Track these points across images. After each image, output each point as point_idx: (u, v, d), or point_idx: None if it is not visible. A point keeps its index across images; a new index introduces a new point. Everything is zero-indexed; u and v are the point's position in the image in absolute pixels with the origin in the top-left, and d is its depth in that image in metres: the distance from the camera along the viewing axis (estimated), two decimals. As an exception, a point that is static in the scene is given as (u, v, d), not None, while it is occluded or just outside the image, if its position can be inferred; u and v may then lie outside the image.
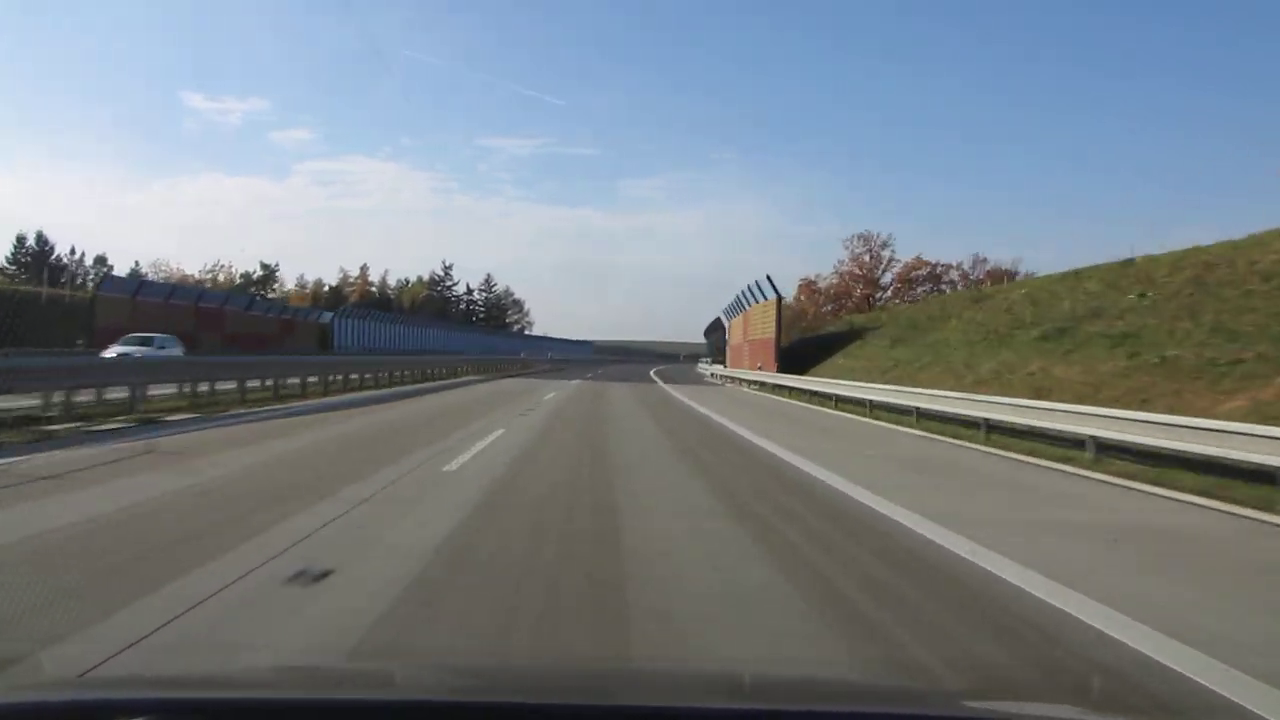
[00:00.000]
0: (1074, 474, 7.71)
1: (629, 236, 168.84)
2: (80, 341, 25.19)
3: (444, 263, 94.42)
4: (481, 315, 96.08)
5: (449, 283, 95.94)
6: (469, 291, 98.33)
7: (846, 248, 46.58)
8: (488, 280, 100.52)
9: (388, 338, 49.69)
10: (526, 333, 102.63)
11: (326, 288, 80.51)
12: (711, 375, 34.29)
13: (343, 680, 1.96)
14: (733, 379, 29.10)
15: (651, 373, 36.37)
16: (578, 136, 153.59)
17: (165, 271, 52.63)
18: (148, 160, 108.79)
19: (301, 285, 78.75)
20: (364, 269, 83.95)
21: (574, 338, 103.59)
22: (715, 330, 55.77)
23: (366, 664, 2.58)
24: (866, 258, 53.92)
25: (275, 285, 78.82)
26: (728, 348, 35.46)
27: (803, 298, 51.49)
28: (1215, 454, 6.94)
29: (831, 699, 1.70)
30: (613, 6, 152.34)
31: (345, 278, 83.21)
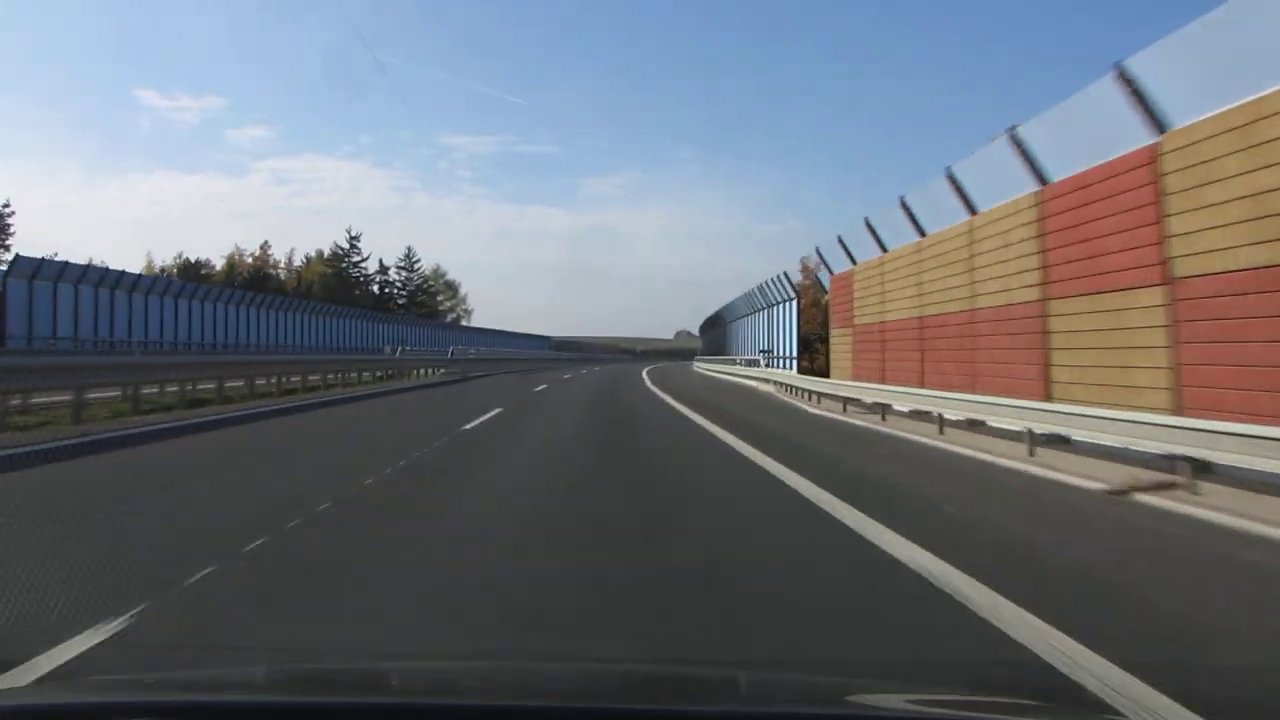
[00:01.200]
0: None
1: (591, 234, 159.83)
2: None
3: (349, 232, 77.09)
4: (402, 300, 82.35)
5: (355, 258, 77.50)
6: (383, 270, 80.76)
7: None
8: (408, 256, 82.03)
9: (159, 325, 34.81)
10: (465, 323, 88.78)
11: (211, 264, 69.29)
12: (776, 388, 22.66)
13: (343, 681, 2.00)
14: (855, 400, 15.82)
15: (663, 390, 24.00)
16: (538, 134, 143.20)
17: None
18: (99, 158, 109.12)
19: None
20: (265, 245, 74.39)
21: (535, 332, 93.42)
22: (714, 326, 57.40)
23: (366, 664, 2.67)
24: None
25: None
26: (842, 340, 21.30)
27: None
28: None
29: (830, 701, 1.74)
30: (570, 3, 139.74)
31: (237, 254, 71.81)
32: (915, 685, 2.43)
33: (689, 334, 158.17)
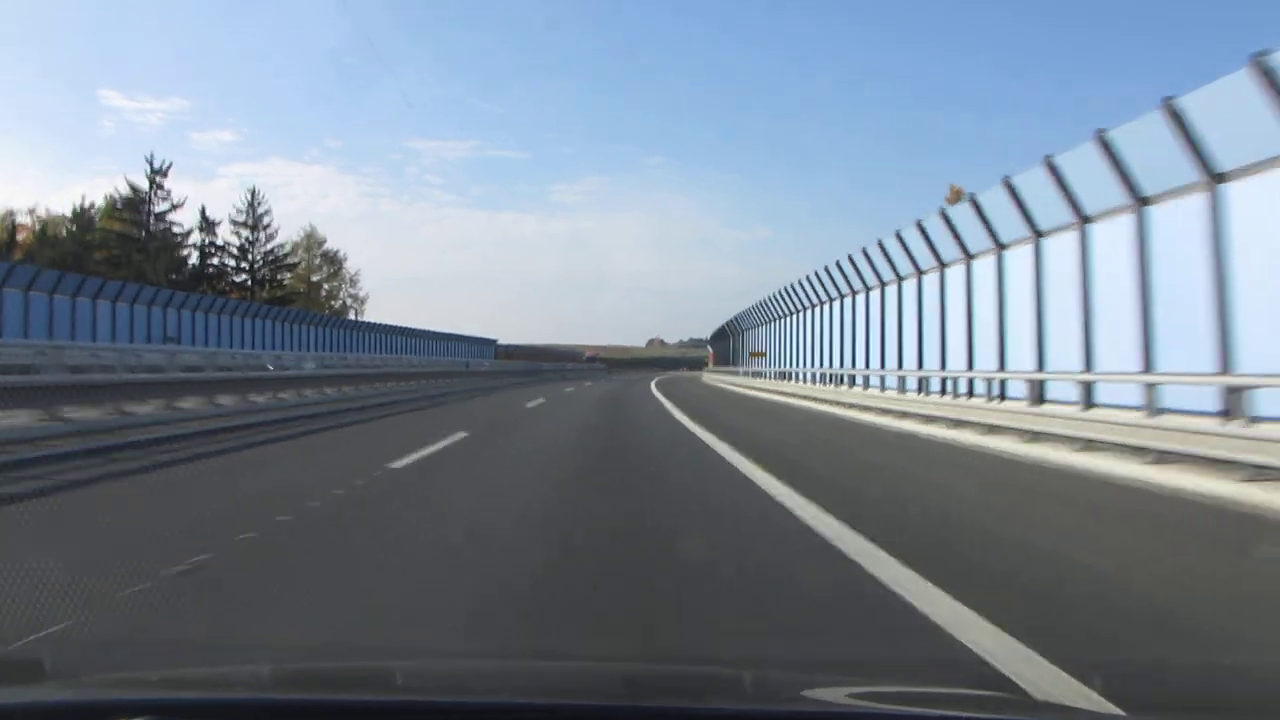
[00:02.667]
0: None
1: (559, 240, 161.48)
2: None
3: (151, 163, 53.06)
4: (245, 278, 59.00)
5: (154, 209, 53.12)
6: (208, 226, 56.27)
7: None
8: (251, 207, 58.09)
9: None
10: (360, 317, 64.72)
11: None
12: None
13: (346, 679, 2.08)
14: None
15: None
16: (507, 140, 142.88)
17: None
18: (64, 161, 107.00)
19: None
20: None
21: (502, 340, 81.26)
22: (723, 338, 58.95)
23: (371, 662, 2.82)
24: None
25: None
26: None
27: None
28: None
29: (831, 699, 1.82)
30: (539, 9, 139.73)
31: (8, 215, 52.30)
32: (917, 683, 2.58)
33: (662, 342, 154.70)
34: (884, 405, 17.96)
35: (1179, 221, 11.02)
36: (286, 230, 65.99)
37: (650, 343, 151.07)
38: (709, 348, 72.01)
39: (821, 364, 28.07)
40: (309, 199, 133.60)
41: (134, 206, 51.31)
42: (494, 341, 74.04)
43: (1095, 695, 2.77)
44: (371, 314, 67.63)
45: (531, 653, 3.48)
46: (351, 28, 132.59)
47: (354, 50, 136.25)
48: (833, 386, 24.49)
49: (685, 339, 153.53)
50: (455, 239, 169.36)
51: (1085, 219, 13.31)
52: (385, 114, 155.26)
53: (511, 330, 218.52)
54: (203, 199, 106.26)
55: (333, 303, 64.75)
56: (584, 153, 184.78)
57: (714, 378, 48.77)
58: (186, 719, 1.47)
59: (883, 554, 4.86)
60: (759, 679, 2.14)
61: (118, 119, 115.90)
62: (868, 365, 23.36)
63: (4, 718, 1.38)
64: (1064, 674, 3.00)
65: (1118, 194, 12.04)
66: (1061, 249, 14.02)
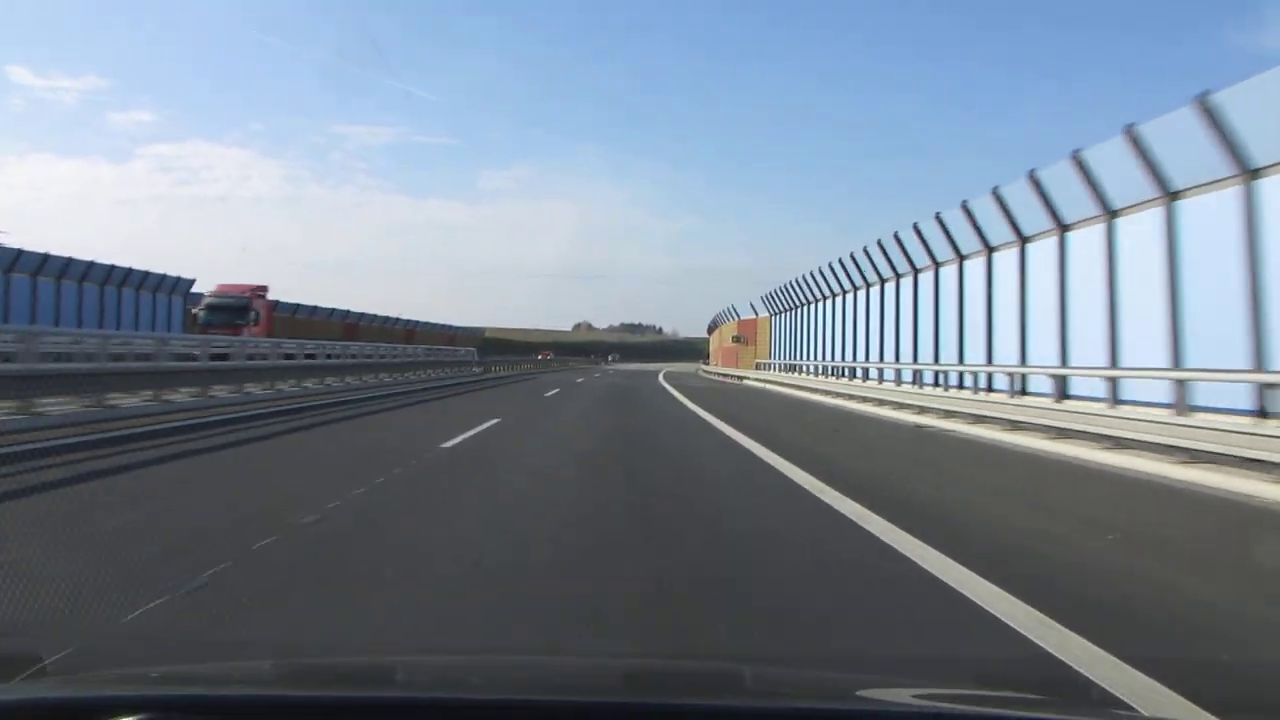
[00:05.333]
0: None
1: (486, 226, 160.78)
2: None
3: None
4: None
5: None
6: None
7: None
8: None
9: None
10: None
11: None
12: None
13: (347, 675, 2.13)
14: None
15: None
16: (434, 126, 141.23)
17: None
18: None
19: None
20: None
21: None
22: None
23: (368, 661, 2.77)
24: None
25: None
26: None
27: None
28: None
29: (833, 697, 1.83)
30: None
31: None
32: (922, 680, 2.52)
33: (590, 326, 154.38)
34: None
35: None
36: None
37: (577, 327, 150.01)
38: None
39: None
40: (231, 182, 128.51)
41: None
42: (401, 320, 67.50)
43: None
44: (301, 298, 62.46)
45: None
46: (270, 9, 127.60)
47: (277, 28, 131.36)
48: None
49: (616, 324, 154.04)
50: (382, 224, 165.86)
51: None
52: (308, 97, 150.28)
53: (441, 314, 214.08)
54: (121, 178, 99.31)
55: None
56: (513, 139, 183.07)
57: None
58: (187, 715, 1.45)
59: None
60: (760, 675, 2.20)
61: (26, 96, 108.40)
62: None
63: (4, 715, 1.38)
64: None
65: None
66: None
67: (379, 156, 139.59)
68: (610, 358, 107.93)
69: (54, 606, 3.69)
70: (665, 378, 43.29)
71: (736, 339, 51.12)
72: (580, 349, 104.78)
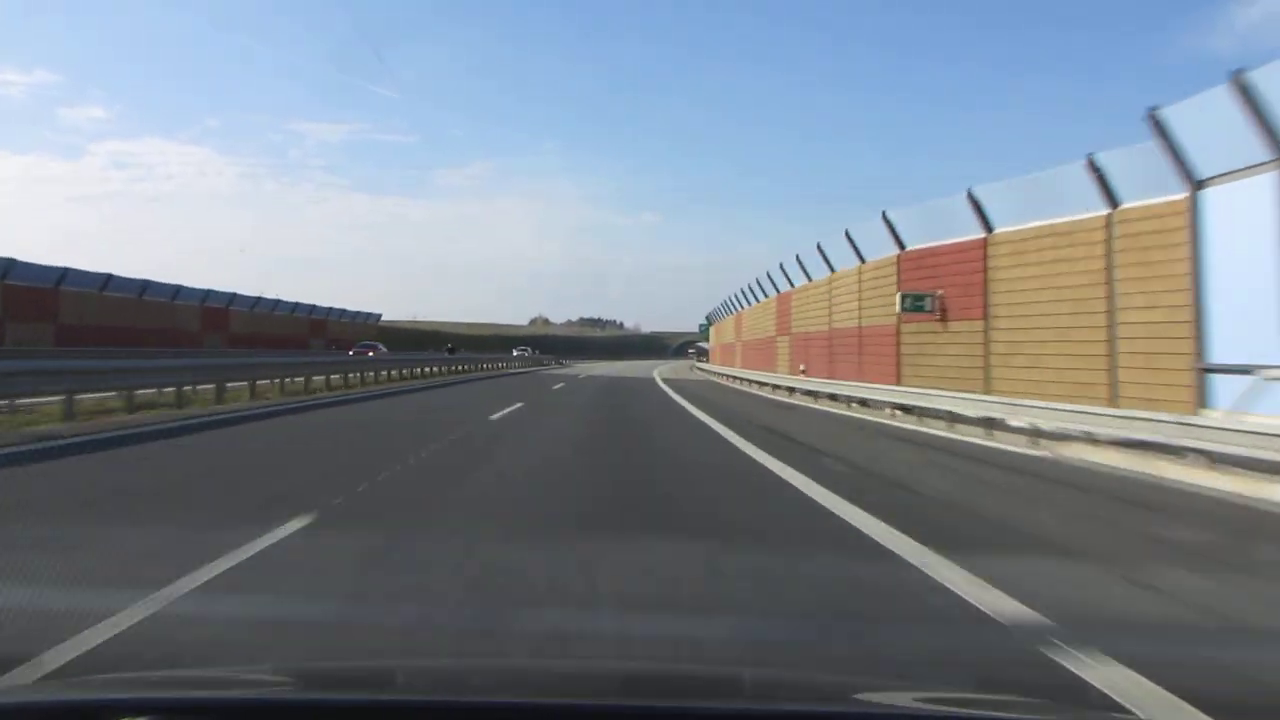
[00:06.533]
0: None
1: (443, 223, 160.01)
2: None
3: None
4: None
5: None
6: None
7: None
8: None
9: None
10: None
11: None
12: None
13: (347, 679, 2.08)
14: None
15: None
16: (393, 123, 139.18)
17: None
18: None
19: None
20: None
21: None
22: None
23: (371, 662, 2.91)
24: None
25: None
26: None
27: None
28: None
29: (832, 699, 1.86)
30: None
31: None
32: (921, 683, 2.66)
33: (546, 320, 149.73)
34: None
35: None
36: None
37: (533, 322, 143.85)
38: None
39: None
40: (187, 178, 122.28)
41: None
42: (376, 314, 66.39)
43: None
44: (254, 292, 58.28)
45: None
46: (230, 6, 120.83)
47: (236, 24, 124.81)
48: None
49: (574, 319, 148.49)
50: (340, 221, 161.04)
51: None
52: (265, 93, 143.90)
53: (399, 310, 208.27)
54: (73, 175, 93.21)
55: None
56: (473, 135, 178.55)
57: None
58: (187, 718, 1.46)
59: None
60: (758, 679, 2.19)
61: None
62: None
63: (4, 718, 1.39)
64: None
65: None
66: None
67: (336, 153, 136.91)
68: (516, 351, 75.20)
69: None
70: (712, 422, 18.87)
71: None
72: (533, 345, 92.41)
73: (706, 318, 65.08)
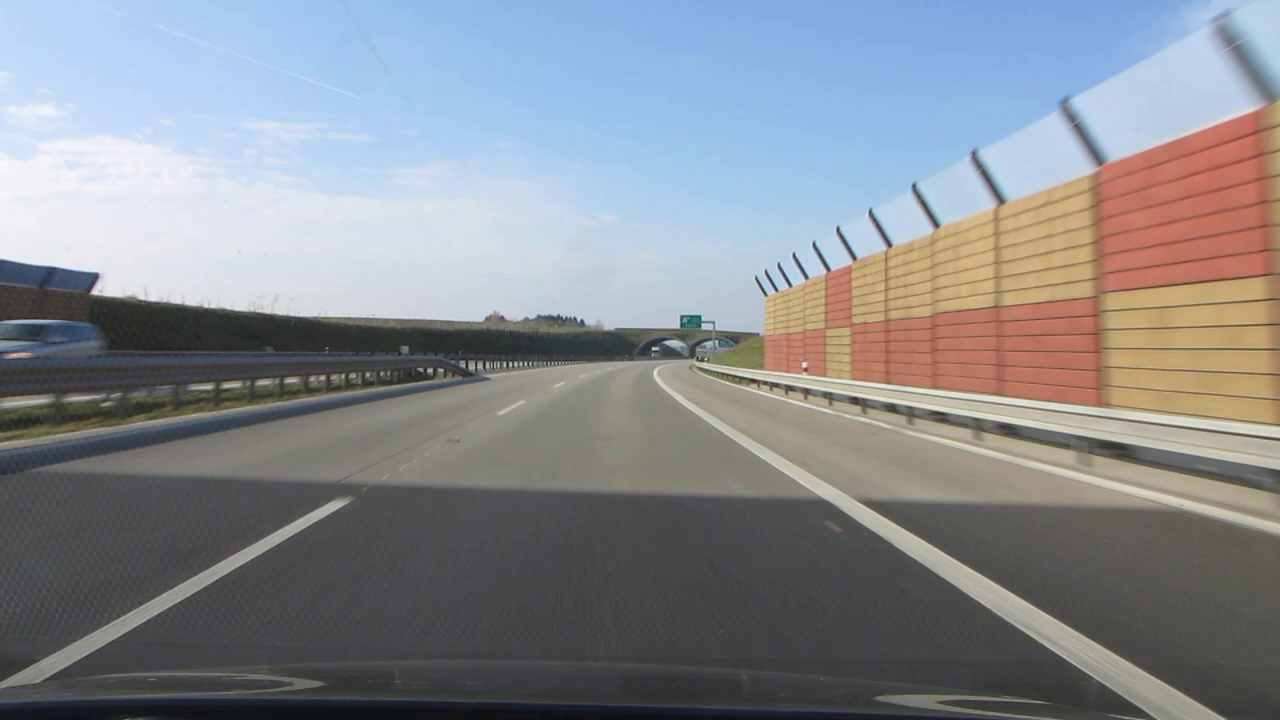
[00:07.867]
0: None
1: (402, 223, 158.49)
2: None
3: None
4: None
5: None
6: None
7: None
8: None
9: None
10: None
11: None
12: None
13: (345, 680, 2.09)
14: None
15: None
16: (350, 122, 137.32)
17: None
18: None
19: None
20: None
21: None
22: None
23: (369, 663, 2.95)
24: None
25: None
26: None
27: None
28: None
29: (832, 700, 1.87)
30: None
31: None
32: (919, 684, 2.66)
33: (501, 317, 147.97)
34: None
35: None
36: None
37: (488, 318, 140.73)
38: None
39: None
40: (141, 178, 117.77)
41: None
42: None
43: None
44: (206, 298, 52.44)
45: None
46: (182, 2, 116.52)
47: (187, 21, 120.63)
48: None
49: (531, 315, 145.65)
50: (296, 221, 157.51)
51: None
52: (219, 92, 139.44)
53: (355, 309, 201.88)
54: (22, 174, 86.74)
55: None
56: (429, 135, 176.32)
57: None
58: (186, 719, 1.47)
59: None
60: (755, 679, 2.25)
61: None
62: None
63: (4, 718, 1.40)
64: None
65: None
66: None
67: (294, 153, 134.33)
68: (402, 349, 43.58)
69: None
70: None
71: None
72: (482, 343, 80.00)
73: (683, 318, 61.18)
